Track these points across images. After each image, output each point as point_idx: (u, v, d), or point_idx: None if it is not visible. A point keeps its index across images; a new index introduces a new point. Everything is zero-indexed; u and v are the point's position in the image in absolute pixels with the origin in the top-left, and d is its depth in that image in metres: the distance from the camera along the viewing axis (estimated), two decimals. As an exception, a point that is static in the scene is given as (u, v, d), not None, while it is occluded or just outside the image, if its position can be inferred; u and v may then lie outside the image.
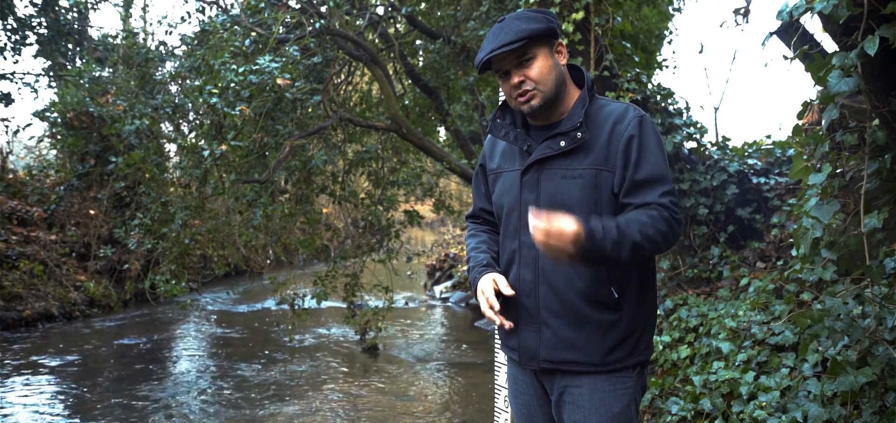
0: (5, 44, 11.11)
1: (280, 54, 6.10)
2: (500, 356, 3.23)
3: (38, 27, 11.57)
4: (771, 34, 2.73)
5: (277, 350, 7.56)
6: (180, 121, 7.05)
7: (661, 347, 4.36)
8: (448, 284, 12.57)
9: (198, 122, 6.54)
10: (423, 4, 8.60)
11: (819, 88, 2.67)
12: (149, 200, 7.07)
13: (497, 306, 1.76)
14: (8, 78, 11.53)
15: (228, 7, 7.25)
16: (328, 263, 7.92)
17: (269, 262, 13.15)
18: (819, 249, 2.51)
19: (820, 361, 3.10)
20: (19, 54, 11.31)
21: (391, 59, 8.30)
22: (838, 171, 2.65)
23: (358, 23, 6.98)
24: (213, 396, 5.85)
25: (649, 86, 5.45)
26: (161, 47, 7.53)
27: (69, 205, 10.61)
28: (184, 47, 6.99)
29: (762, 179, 5.33)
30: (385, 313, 7.51)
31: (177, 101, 6.61)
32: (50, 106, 10.62)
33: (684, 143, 5.41)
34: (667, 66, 10.55)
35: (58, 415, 5.26)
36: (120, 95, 7.43)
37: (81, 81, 10.21)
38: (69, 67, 11.77)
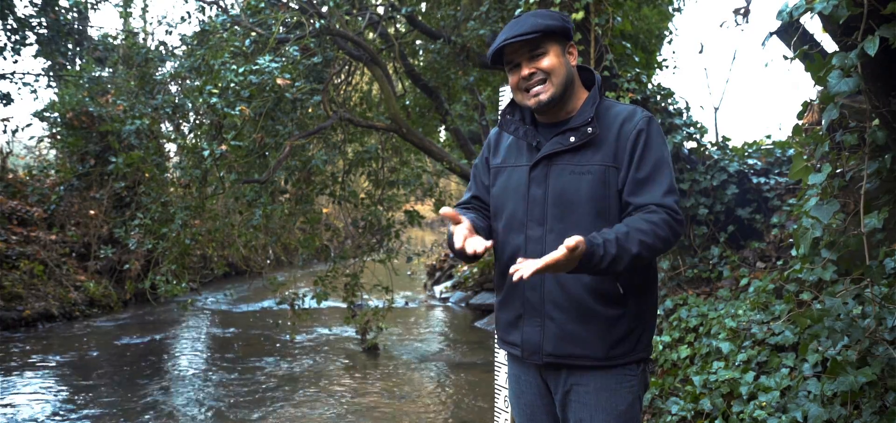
0: (5, 44, 11.11)
1: (280, 54, 6.10)
2: (500, 356, 3.23)
3: (38, 27, 11.57)
4: (771, 34, 2.73)
5: (277, 350, 7.56)
6: (180, 121, 7.05)
7: (661, 347, 4.36)
8: (448, 284, 12.57)
9: (198, 122, 6.54)
10: (423, 4, 8.61)
11: (819, 88, 2.67)
12: (149, 200, 7.07)
13: (462, 235, 1.64)
14: (8, 78, 11.53)
15: (228, 7, 7.26)
16: (328, 263, 7.92)
17: (269, 262, 13.15)
18: (819, 249, 2.51)
19: (820, 361, 3.10)
20: (19, 54, 11.31)
21: (391, 59, 8.31)
22: (838, 171, 2.65)
23: (358, 22, 6.98)
24: (213, 396, 5.85)
25: (649, 86, 5.46)
26: (161, 47, 7.53)
27: (69, 205, 10.61)
28: (184, 47, 6.99)
29: (762, 179, 5.33)
30: (385, 313, 7.51)
31: (177, 101, 6.60)
32: (50, 106, 10.62)
33: (684, 143, 5.41)
34: (667, 66, 10.56)
35: (57, 415, 5.26)
36: (120, 95, 7.43)
37: (81, 81, 10.21)
38: (69, 67, 11.77)
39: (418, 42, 9.04)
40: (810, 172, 2.65)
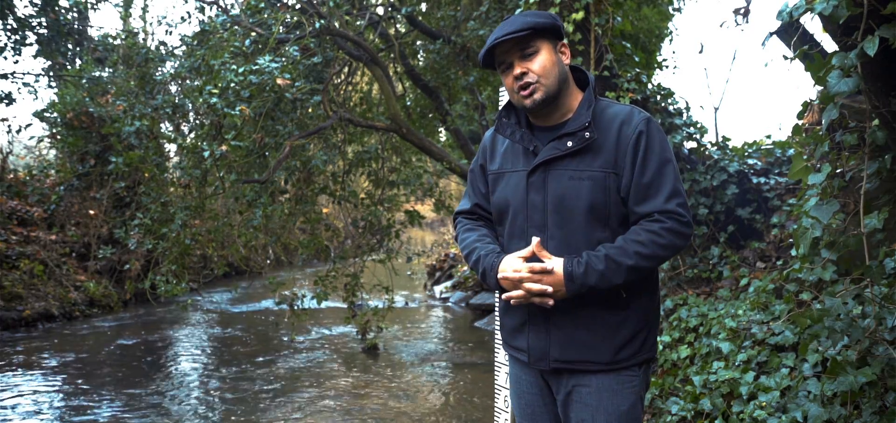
0: (5, 44, 11.09)
1: (280, 54, 6.10)
2: (500, 356, 3.23)
3: (38, 27, 11.56)
4: (771, 34, 2.73)
5: (277, 350, 7.56)
6: (180, 121, 7.05)
7: (661, 347, 4.36)
8: (448, 284, 12.57)
9: (198, 122, 6.54)
10: (423, 4, 8.61)
11: (819, 87, 2.67)
12: (149, 200, 7.06)
13: (526, 269, 1.69)
14: (8, 78, 11.52)
15: (228, 7, 7.25)
16: (328, 263, 7.92)
17: (269, 262, 13.15)
18: (819, 249, 2.51)
19: (820, 361, 3.10)
20: (19, 54, 11.29)
21: (391, 60, 8.30)
22: (838, 171, 2.65)
23: (358, 23, 6.98)
24: (213, 396, 5.85)
25: (649, 86, 5.46)
26: (161, 47, 7.53)
27: (69, 205, 10.61)
28: (184, 47, 6.99)
29: (762, 179, 5.32)
30: (385, 313, 7.51)
31: (177, 101, 6.60)
32: (50, 106, 10.62)
33: (684, 143, 5.41)
34: (667, 66, 10.55)
35: (57, 415, 5.26)
36: (120, 95, 7.43)
37: (82, 81, 10.21)
38: (69, 67, 11.77)
39: (418, 42, 9.04)
40: (810, 172, 2.65)
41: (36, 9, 11.44)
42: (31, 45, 11.51)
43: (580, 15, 4.86)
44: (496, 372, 3.26)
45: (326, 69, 6.80)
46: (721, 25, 3.10)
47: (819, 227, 2.39)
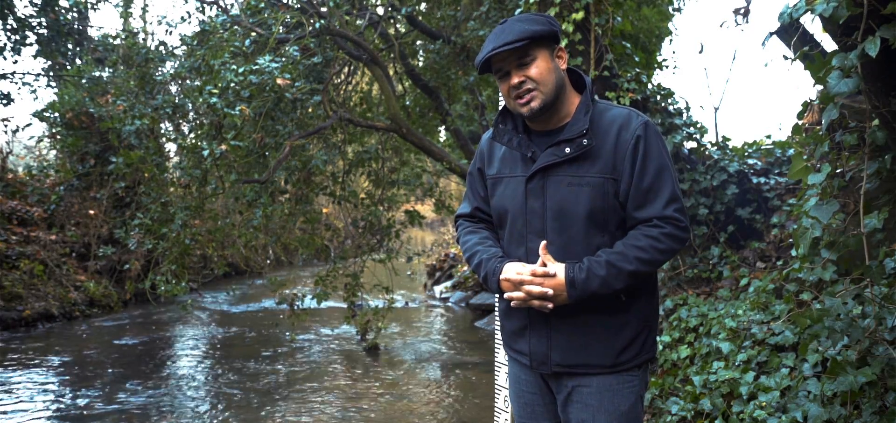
0: (5, 44, 11.10)
1: (280, 54, 6.10)
2: (500, 356, 3.23)
3: (38, 27, 11.56)
4: (771, 34, 2.73)
5: (278, 350, 7.56)
6: (180, 121, 7.05)
7: (661, 347, 4.36)
8: (448, 284, 12.57)
9: (198, 122, 6.54)
10: (423, 4, 8.60)
11: (819, 88, 2.67)
12: (149, 201, 7.07)
13: (529, 273, 1.71)
14: (8, 78, 11.53)
15: (228, 7, 7.26)
16: (328, 263, 7.92)
17: (269, 262, 13.16)
18: (819, 249, 2.51)
19: (820, 361, 3.10)
20: (19, 54, 11.30)
21: (391, 60, 8.30)
22: (838, 171, 2.65)
23: (358, 23, 6.98)
24: (213, 396, 5.85)
25: (649, 86, 5.45)
26: (161, 47, 7.52)
27: (69, 205, 10.61)
28: (184, 47, 6.99)
29: (762, 179, 5.32)
30: (385, 313, 7.51)
31: (177, 101, 6.60)
32: (49, 106, 10.62)
33: (684, 143, 5.40)
34: (667, 66, 10.55)
35: (58, 415, 5.26)
36: (120, 95, 7.43)
37: (82, 81, 10.21)
38: (69, 67, 11.76)
39: (418, 42, 9.04)
40: (810, 172, 2.65)
41: (36, 9, 11.44)
42: (31, 45, 11.52)
43: (580, 15, 4.86)
44: (496, 372, 3.26)
45: (326, 69, 6.80)
46: (721, 25, 3.10)
47: (819, 227, 2.39)
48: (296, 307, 7.30)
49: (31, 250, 9.46)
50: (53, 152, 12.02)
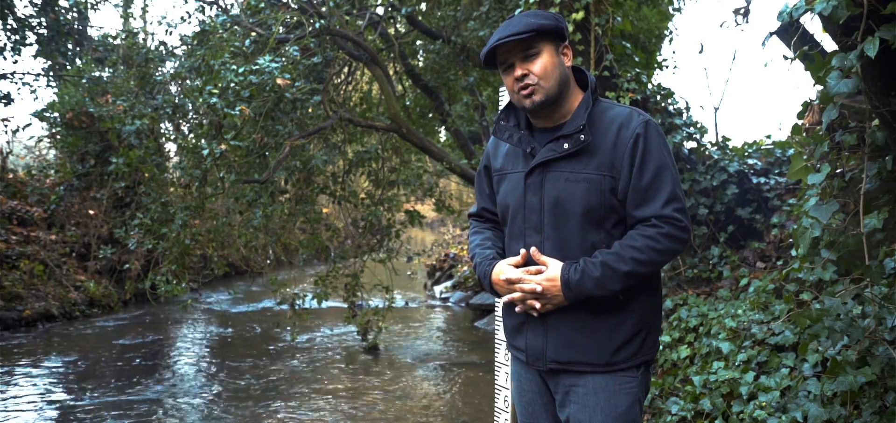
0: (5, 44, 11.09)
1: (280, 54, 6.10)
2: (500, 356, 3.23)
3: (38, 27, 11.56)
4: (771, 34, 2.73)
5: (278, 350, 7.56)
6: (180, 121, 7.04)
7: (661, 347, 4.36)
8: (448, 284, 12.57)
9: (198, 122, 6.54)
10: (423, 4, 8.60)
11: (819, 88, 2.67)
12: (149, 201, 7.06)
13: (517, 274, 1.76)
14: (8, 78, 11.52)
15: (228, 7, 7.25)
16: (328, 263, 7.92)
17: (269, 262, 13.15)
18: (819, 249, 2.51)
19: (820, 361, 3.10)
20: (19, 54, 11.29)
21: (391, 60, 8.30)
22: (838, 171, 2.65)
23: (358, 23, 6.98)
24: (213, 396, 5.85)
25: (649, 86, 5.45)
26: (161, 47, 7.52)
27: (69, 205, 10.60)
28: (184, 47, 6.99)
29: (762, 179, 5.32)
30: (385, 313, 7.51)
31: (177, 101, 6.60)
32: (49, 106, 10.61)
33: (684, 143, 5.40)
34: (667, 66, 10.55)
35: (58, 415, 5.26)
36: (120, 95, 7.42)
37: (82, 81, 10.20)
38: (69, 67, 11.76)
39: (418, 42, 9.04)
40: (810, 172, 2.64)
41: (36, 9, 11.44)
42: (31, 45, 11.52)
43: (580, 15, 4.86)
44: (496, 372, 3.26)
45: (326, 69, 6.80)
46: (721, 25, 3.10)
47: (819, 227, 2.39)
48: (296, 307, 7.30)
49: (31, 250, 9.46)
50: (53, 152, 12.01)
